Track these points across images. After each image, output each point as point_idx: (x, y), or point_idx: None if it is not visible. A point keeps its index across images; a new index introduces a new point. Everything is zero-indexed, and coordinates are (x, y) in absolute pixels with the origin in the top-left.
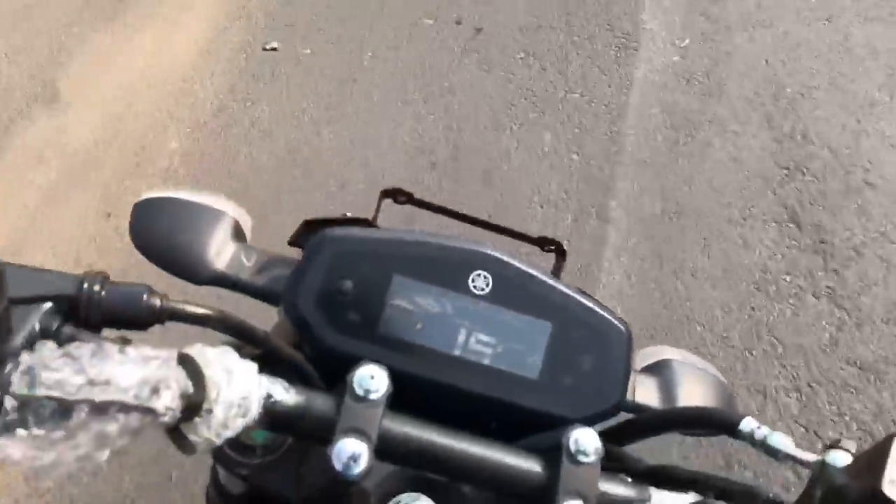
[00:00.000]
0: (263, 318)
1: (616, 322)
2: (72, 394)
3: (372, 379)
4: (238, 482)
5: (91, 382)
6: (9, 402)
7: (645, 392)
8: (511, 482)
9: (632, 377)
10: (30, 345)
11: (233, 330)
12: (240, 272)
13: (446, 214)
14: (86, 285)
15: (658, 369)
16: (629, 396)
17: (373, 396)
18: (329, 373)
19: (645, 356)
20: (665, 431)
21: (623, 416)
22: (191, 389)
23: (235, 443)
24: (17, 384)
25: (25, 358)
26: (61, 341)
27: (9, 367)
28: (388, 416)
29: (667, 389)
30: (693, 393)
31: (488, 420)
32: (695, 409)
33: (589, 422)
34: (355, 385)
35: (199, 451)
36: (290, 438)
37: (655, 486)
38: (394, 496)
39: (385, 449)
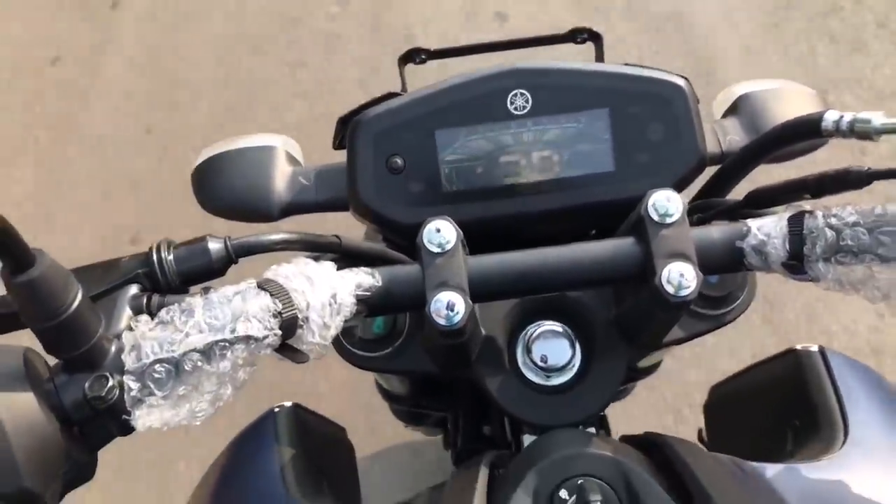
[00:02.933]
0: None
1: (670, 79)
2: (175, 350)
3: (438, 232)
4: (400, 384)
5: (187, 335)
6: (128, 379)
7: (731, 136)
8: (609, 270)
9: (712, 127)
10: (130, 327)
11: (303, 244)
12: (305, 194)
13: (469, 52)
14: (154, 257)
15: (738, 108)
16: (715, 148)
17: (447, 247)
18: None
19: (723, 101)
20: (754, 165)
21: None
22: (280, 306)
23: (361, 343)
24: (129, 362)
25: (128, 337)
26: (153, 313)
27: (114, 350)
28: (471, 259)
29: (752, 124)
30: (779, 114)
31: (588, 229)
32: (771, 130)
33: (679, 187)
34: (426, 243)
35: (315, 358)
36: (407, 321)
37: (751, 215)
38: (519, 332)
39: (479, 289)
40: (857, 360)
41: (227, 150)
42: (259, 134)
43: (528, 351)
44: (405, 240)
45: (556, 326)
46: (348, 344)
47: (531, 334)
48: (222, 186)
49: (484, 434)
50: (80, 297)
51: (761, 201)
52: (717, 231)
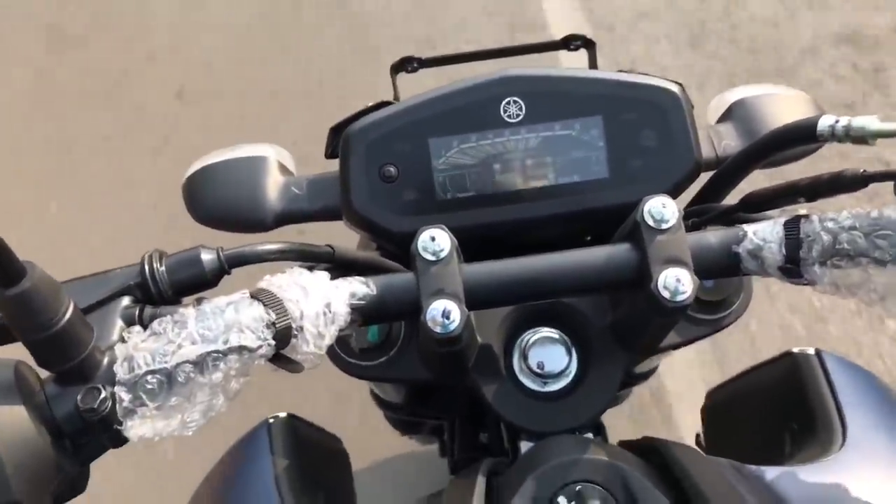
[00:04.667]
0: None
1: (664, 85)
2: (168, 362)
3: (434, 240)
4: (395, 392)
5: (180, 346)
6: (120, 391)
7: (725, 141)
8: (605, 277)
9: (707, 133)
10: (122, 338)
11: (296, 254)
12: (298, 203)
13: (462, 60)
14: (146, 268)
15: (732, 113)
16: (710, 154)
17: (442, 255)
18: None
19: (717, 106)
20: (749, 170)
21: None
22: (273, 316)
23: (355, 352)
24: (121, 373)
25: (120, 349)
26: (146, 324)
27: (106, 362)
28: (466, 267)
29: (746, 129)
30: (773, 119)
31: (583, 235)
32: (766, 135)
33: (674, 193)
34: (421, 252)
35: (309, 367)
36: (402, 329)
37: (746, 220)
38: (515, 339)
39: (474, 297)
40: (853, 362)
41: (218, 160)
42: (250, 144)
43: (524, 358)
44: (399, 248)
45: (552, 333)
46: (343, 353)
47: (527, 341)
48: (214, 197)
49: (481, 442)
50: (71, 309)
51: (756, 205)
52: (713, 236)
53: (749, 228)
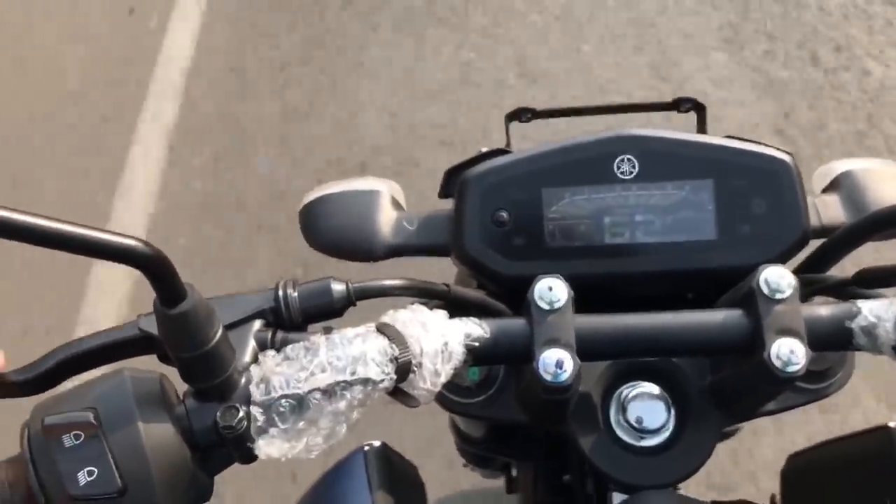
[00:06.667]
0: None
1: (777, 154)
2: (301, 388)
3: (551, 290)
4: (477, 426)
5: (312, 373)
6: (255, 411)
7: (831, 212)
8: (716, 341)
9: (813, 202)
10: (255, 359)
11: (415, 291)
12: (408, 238)
13: (574, 114)
14: (280, 293)
15: (838, 185)
16: (815, 223)
17: (557, 305)
18: (517, 302)
19: (822, 176)
20: (860, 243)
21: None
22: (397, 351)
23: (455, 388)
24: (258, 395)
25: (255, 371)
26: (277, 348)
27: (243, 382)
28: (579, 318)
29: (853, 201)
30: (881, 195)
31: (684, 294)
32: (883, 209)
33: (781, 260)
34: (538, 300)
35: (424, 403)
36: (502, 369)
37: (858, 294)
38: (614, 391)
39: (586, 349)
40: None
41: (334, 192)
42: (365, 178)
43: (622, 411)
44: (503, 289)
45: (652, 388)
46: (443, 388)
47: (626, 394)
48: (329, 226)
49: (564, 485)
50: (220, 331)
51: (871, 281)
52: (826, 310)
53: (864, 305)
